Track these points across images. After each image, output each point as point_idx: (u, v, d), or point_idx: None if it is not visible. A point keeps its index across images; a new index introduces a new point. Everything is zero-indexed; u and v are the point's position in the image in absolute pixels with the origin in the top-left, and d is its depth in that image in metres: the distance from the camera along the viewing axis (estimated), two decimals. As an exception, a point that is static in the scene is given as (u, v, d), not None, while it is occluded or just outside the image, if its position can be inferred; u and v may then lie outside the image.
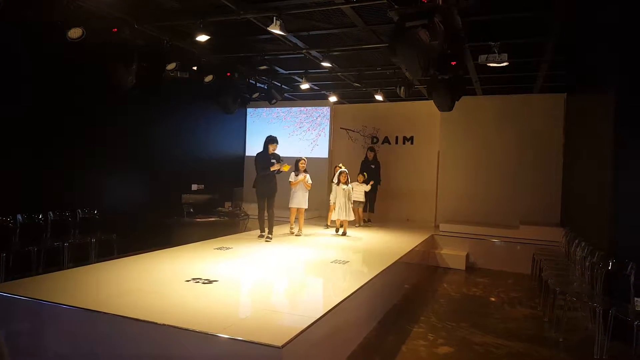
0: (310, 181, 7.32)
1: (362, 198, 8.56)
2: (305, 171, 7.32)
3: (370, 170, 9.22)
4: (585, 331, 4.77)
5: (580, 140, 7.03)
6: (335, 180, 7.70)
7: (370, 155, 9.57)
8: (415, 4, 4.22)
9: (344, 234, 7.58)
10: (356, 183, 8.43)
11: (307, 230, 7.97)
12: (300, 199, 7.32)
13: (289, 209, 7.43)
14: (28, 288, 3.70)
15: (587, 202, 6.06)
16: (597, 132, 5.62)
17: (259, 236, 6.92)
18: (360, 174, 8.73)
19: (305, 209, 7.52)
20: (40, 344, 3.45)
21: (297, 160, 7.36)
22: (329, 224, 8.25)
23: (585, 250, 5.01)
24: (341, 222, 7.66)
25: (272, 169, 6.73)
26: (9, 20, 5.24)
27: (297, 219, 7.51)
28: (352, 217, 7.69)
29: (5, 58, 5.68)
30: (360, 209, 8.81)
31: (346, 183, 7.56)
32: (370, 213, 9.42)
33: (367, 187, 8.57)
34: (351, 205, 7.68)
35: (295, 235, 7.34)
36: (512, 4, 5.08)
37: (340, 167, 7.84)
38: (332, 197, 7.80)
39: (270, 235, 6.82)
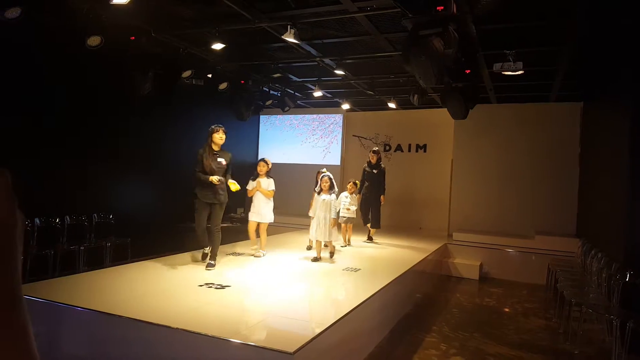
0: (271, 188, 5.69)
1: (351, 213, 6.89)
2: (268, 176, 5.74)
3: (371, 176, 7.65)
4: (602, 344, 4.68)
5: (597, 150, 6.94)
6: (317, 188, 5.89)
7: (373, 158, 7.69)
8: (429, 12, 4.23)
9: (331, 254, 5.89)
10: (345, 194, 6.87)
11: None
12: (258, 211, 5.67)
13: (248, 222, 5.87)
14: (44, 291, 3.76)
15: (603, 212, 5.97)
16: (613, 142, 5.55)
17: (202, 258, 5.32)
18: (351, 182, 6.98)
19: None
20: (55, 345, 3.49)
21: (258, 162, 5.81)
22: (310, 245, 6.50)
23: (602, 262, 4.94)
24: (323, 244, 5.86)
25: (210, 179, 5.03)
26: (29, 28, 5.38)
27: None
28: (332, 238, 5.75)
29: (26, 65, 5.82)
30: (350, 227, 7.18)
31: (329, 192, 5.71)
32: (376, 229, 7.76)
33: (354, 203, 6.93)
34: (336, 222, 5.87)
35: (254, 257, 5.82)
36: (527, 13, 5.06)
37: (323, 172, 6.04)
38: (312, 210, 6.07)
39: (212, 262, 5.01)
